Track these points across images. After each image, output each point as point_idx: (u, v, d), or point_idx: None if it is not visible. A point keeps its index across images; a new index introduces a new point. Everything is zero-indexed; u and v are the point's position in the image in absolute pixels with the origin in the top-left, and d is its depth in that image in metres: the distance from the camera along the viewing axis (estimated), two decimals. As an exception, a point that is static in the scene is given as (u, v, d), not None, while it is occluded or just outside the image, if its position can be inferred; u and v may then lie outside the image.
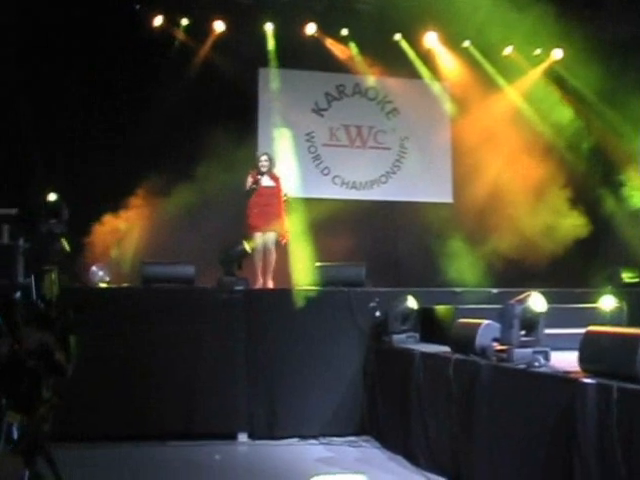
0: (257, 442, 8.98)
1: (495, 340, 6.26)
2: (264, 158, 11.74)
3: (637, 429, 4.36)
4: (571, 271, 13.00)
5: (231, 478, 7.60)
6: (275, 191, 11.68)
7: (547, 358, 5.85)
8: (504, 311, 6.07)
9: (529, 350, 5.85)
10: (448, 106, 15.34)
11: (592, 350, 5.04)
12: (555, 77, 15.21)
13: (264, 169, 11.59)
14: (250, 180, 11.61)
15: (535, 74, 15.45)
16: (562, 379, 5.21)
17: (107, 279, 10.71)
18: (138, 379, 8.91)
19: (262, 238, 11.35)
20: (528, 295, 5.99)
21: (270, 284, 11.25)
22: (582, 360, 5.10)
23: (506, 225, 13.54)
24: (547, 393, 5.31)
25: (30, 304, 5.79)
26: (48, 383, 5.16)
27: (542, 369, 5.63)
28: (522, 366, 5.74)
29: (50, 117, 12.43)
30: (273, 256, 11.40)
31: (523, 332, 6.03)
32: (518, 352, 5.88)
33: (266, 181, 11.60)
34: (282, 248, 11.63)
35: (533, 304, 5.92)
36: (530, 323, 6.02)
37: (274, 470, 7.78)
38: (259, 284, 11.08)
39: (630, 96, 13.31)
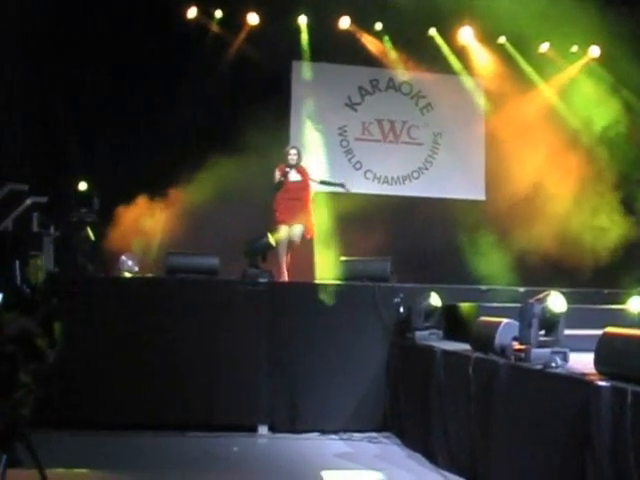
0: (277, 435, 8.98)
1: (515, 339, 6.18)
2: (293, 152, 11.79)
3: (651, 433, 4.29)
4: (604, 272, 12.86)
5: (249, 470, 7.54)
6: (303, 185, 11.74)
7: (565, 359, 5.76)
8: (523, 310, 5.99)
9: (547, 350, 5.76)
10: (482, 102, 15.26)
11: (608, 352, 4.96)
12: (592, 75, 15.06)
13: (292, 162, 11.63)
14: (278, 174, 11.65)
15: (572, 71, 15.30)
16: (577, 381, 5.13)
17: (136, 269, 10.73)
18: (160, 369, 8.94)
19: (288, 231, 11.38)
20: (547, 294, 5.90)
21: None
22: (598, 362, 5.03)
23: (538, 224, 13.44)
24: (562, 394, 5.24)
25: (14, 289, 5.77)
26: (27, 368, 5.14)
27: (558, 370, 5.55)
28: (539, 366, 5.66)
29: (83, 107, 12.51)
30: (294, 246, 11.50)
31: (543, 332, 5.94)
32: (536, 352, 5.79)
33: (294, 175, 11.66)
34: (308, 242, 11.62)
35: (552, 304, 5.84)
36: (550, 323, 5.93)
37: (291, 464, 7.77)
38: (284, 277, 11.09)
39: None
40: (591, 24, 13.28)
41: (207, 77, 13.03)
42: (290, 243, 11.43)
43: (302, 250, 11.50)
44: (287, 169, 11.63)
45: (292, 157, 11.71)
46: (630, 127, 14.28)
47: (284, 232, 11.33)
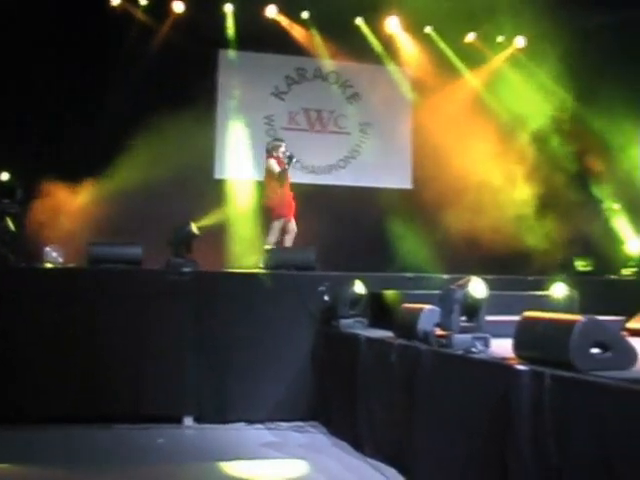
0: (203, 426, 8.87)
1: (437, 325, 6.20)
2: (285, 145, 11.96)
3: (569, 417, 4.31)
4: (528, 259, 12.99)
5: (175, 461, 7.45)
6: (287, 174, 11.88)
7: (487, 344, 5.78)
8: (444, 296, 6.00)
9: (469, 336, 5.78)
10: (409, 92, 15.30)
11: (527, 336, 4.99)
12: (518, 65, 15.19)
13: (287, 154, 11.76)
14: (276, 163, 11.72)
15: (497, 61, 15.43)
16: (497, 365, 5.16)
17: (60, 260, 10.58)
18: (85, 361, 8.77)
19: (283, 224, 11.68)
20: (468, 280, 5.92)
21: None
22: (517, 346, 5.05)
23: (465, 212, 13.52)
24: (483, 379, 5.26)
25: None
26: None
27: (479, 355, 5.58)
28: (460, 352, 5.68)
29: (6, 97, 12.27)
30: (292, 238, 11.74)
31: (464, 318, 5.96)
32: (457, 338, 5.81)
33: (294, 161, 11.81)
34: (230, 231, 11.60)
35: (473, 290, 5.86)
36: (471, 309, 5.95)
37: (217, 454, 7.69)
38: None
39: (596, 87, 13.29)
40: (517, 14, 13.39)
41: (132, 65, 12.91)
42: (286, 236, 11.69)
43: (225, 239, 11.43)
44: (285, 157, 11.73)
45: (284, 150, 11.82)
46: (555, 117, 14.43)
47: (278, 225, 11.60)
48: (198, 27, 13.36)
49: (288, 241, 11.75)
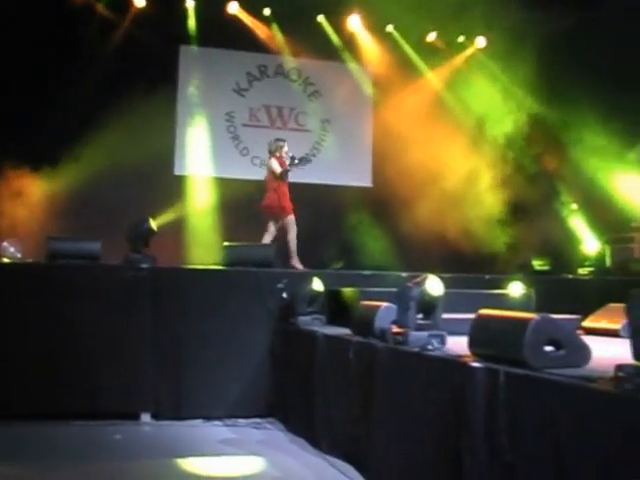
0: (160, 422, 8.83)
1: (394, 323, 6.22)
2: (286, 145, 11.99)
3: (522, 414, 4.34)
4: (486, 258, 13.07)
5: (132, 458, 7.41)
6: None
7: (443, 342, 5.81)
8: (401, 294, 6.02)
9: (425, 333, 5.80)
10: (370, 90, 15.35)
11: (481, 334, 5.02)
12: (478, 65, 15.28)
13: (289, 154, 11.84)
14: (277, 163, 11.78)
15: (458, 61, 15.51)
16: (452, 362, 5.18)
17: (19, 255, 10.49)
18: (42, 357, 8.68)
19: (283, 222, 11.78)
20: (425, 278, 5.95)
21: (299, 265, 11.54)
22: (472, 344, 5.08)
23: (424, 211, 13.58)
24: (439, 376, 5.27)
25: None
26: None
27: (435, 352, 5.60)
28: (416, 349, 5.70)
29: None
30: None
31: (421, 315, 5.99)
32: (414, 335, 5.83)
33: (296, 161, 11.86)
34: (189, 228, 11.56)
35: (430, 287, 5.89)
36: (428, 306, 5.98)
37: (175, 451, 7.63)
38: (298, 266, 11.46)
39: (557, 89, 13.38)
40: (478, 15, 13.46)
41: (93, 59, 12.81)
42: (286, 232, 11.79)
43: (183, 235, 11.40)
44: (288, 157, 11.80)
45: (287, 150, 11.87)
46: (515, 118, 14.52)
47: (274, 223, 11.70)
48: (159, 22, 13.33)
49: (292, 238, 11.80)
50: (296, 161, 11.73)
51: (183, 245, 12.20)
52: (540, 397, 4.22)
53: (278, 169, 11.72)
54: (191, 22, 14.15)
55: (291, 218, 11.84)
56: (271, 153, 11.91)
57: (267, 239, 11.63)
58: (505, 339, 4.71)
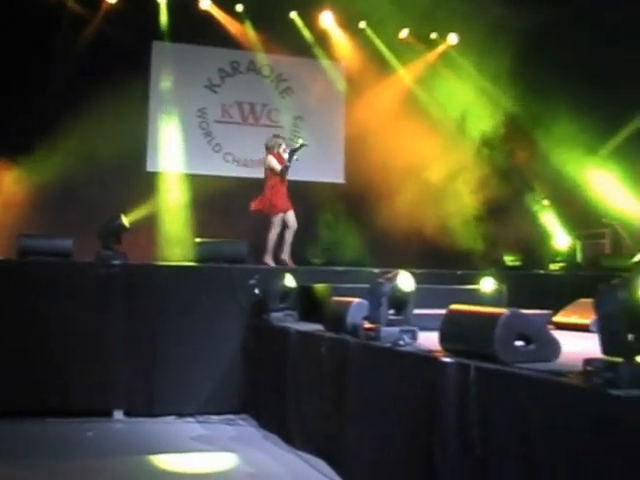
0: (133, 419, 8.82)
1: (365, 318, 6.24)
2: (283, 141, 11.92)
3: (493, 408, 4.36)
4: (458, 254, 13.12)
5: (105, 455, 7.39)
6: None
7: (414, 337, 5.82)
8: (372, 289, 6.03)
9: (396, 329, 5.82)
10: (342, 87, 15.36)
11: (452, 329, 5.04)
12: (451, 61, 15.32)
13: (287, 150, 11.69)
14: (276, 160, 11.61)
15: (431, 58, 15.55)
16: (423, 358, 5.20)
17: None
18: (14, 354, 8.65)
19: (284, 218, 11.64)
20: (396, 274, 5.97)
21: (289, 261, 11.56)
22: (443, 339, 5.10)
23: (396, 207, 13.61)
24: (410, 372, 5.29)
25: None
26: None
27: (407, 348, 5.62)
28: (388, 345, 5.72)
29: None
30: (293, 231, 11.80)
31: (392, 311, 6.01)
32: (385, 331, 5.84)
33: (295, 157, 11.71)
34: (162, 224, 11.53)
35: (401, 283, 5.90)
36: (399, 302, 5.99)
37: (147, 448, 7.64)
38: (269, 260, 11.38)
39: (529, 84, 13.43)
40: (450, 11, 13.49)
41: (65, 56, 12.74)
42: (290, 228, 11.69)
43: (155, 231, 11.36)
44: (288, 162, 11.63)
45: (285, 148, 11.76)
46: (487, 115, 14.56)
47: (279, 220, 11.59)
48: (131, 18, 13.28)
49: (289, 235, 11.74)
50: (295, 157, 11.63)
51: (155, 242, 12.18)
52: (510, 391, 4.25)
53: (277, 167, 11.59)
54: (163, 18, 14.09)
55: (279, 217, 11.70)
56: (268, 150, 11.75)
57: (273, 235, 11.59)
58: (476, 334, 4.74)
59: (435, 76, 15.19)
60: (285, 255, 11.58)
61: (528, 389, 4.13)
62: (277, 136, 12.09)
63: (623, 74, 12.82)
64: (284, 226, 11.71)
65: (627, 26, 12.96)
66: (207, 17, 14.27)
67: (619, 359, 3.69)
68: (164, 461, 7.14)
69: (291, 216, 11.74)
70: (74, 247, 9.54)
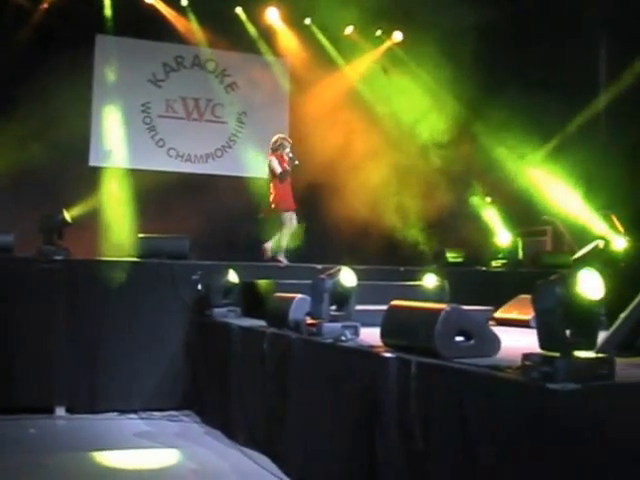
0: (75, 416, 8.76)
1: (308, 314, 6.26)
2: (288, 143, 11.78)
3: (433, 402, 4.41)
4: (400, 250, 13.19)
5: (47, 452, 7.33)
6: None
7: (356, 333, 5.87)
8: (315, 285, 6.07)
9: (338, 325, 5.86)
10: (287, 83, 15.35)
11: (394, 325, 5.09)
12: (395, 59, 15.37)
13: (290, 151, 11.65)
14: (277, 162, 11.53)
15: (374, 55, 15.58)
16: (365, 353, 5.24)
17: None
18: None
19: (291, 216, 11.62)
20: (338, 270, 6.01)
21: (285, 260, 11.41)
22: (384, 334, 5.15)
23: (339, 204, 13.63)
24: (352, 367, 5.33)
25: None
26: None
27: (349, 343, 5.65)
28: (330, 340, 5.75)
29: None
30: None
31: (334, 307, 6.05)
32: (327, 326, 5.88)
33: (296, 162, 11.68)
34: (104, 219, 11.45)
35: (343, 279, 5.95)
36: (341, 298, 6.04)
37: (90, 444, 7.59)
38: (284, 262, 11.26)
39: (472, 83, 13.51)
40: (395, 9, 13.54)
41: (7, 49, 12.56)
42: (291, 227, 11.66)
43: (98, 227, 11.28)
44: (288, 158, 11.59)
45: (288, 152, 11.66)
46: (430, 111, 14.63)
47: (289, 218, 11.58)
48: (75, 11, 13.10)
49: (286, 234, 11.66)
50: (296, 162, 11.62)
51: (98, 237, 12.06)
52: (450, 386, 4.30)
53: (278, 169, 11.53)
54: (107, 11, 13.94)
55: (286, 215, 11.65)
56: (273, 151, 11.69)
57: (286, 233, 11.59)
58: (416, 330, 4.79)
59: (380, 73, 15.22)
60: (280, 256, 11.60)
61: (467, 384, 4.18)
62: (284, 138, 11.97)
63: (566, 75, 12.99)
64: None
65: (569, 25, 13.14)
66: (152, 11, 14.15)
67: (556, 354, 3.76)
68: (107, 458, 7.10)
69: (294, 217, 11.79)
70: (15, 242, 9.45)
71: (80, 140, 13.25)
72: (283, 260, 11.28)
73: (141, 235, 10.08)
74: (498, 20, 13.31)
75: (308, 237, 13.11)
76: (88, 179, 13.45)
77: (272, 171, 11.58)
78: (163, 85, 14.72)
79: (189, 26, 14.57)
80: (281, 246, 11.44)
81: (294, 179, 11.60)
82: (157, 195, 12.80)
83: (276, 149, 11.66)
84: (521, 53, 13.43)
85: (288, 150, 11.65)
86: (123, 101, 14.18)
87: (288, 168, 11.54)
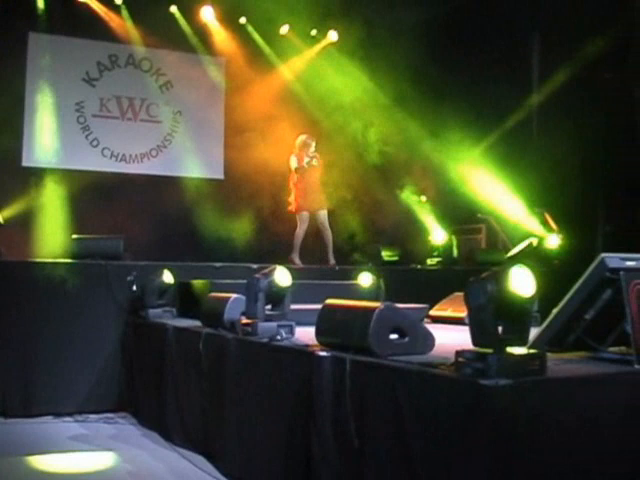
0: (9, 420, 8.60)
1: (243, 314, 6.26)
2: (313, 143, 12.05)
3: (368, 400, 4.43)
4: (337, 250, 13.21)
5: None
6: (320, 171, 12.14)
7: (292, 332, 5.90)
8: (249, 285, 6.06)
9: (273, 324, 5.88)
10: (222, 82, 15.31)
11: (328, 323, 5.11)
12: (331, 58, 15.39)
13: (313, 151, 11.92)
14: (296, 159, 11.87)
15: (311, 54, 15.61)
16: (299, 352, 5.25)
17: None
18: None
19: (314, 217, 11.99)
20: (273, 269, 6.02)
21: (332, 260, 11.85)
22: (319, 333, 5.17)
23: (275, 202, 13.66)
24: (287, 366, 5.34)
25: None
26: None
27: (284, 343, 5.66)
28: (265, 340, 5.76)
29: None
30: (329, 232, 12.06)
31: (269, 306, 6.05)
32: (262, 326, 5.89)
33: (315, 161, 11.94)
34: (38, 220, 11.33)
35: (278, 278, 5.96)
36: (276, 297, 6.05)
37: (24, 448, 7.45)
38: (296, 259, 11.79)
39: (408, 81, 13.58)
40: (330, 8, 13.56)
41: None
42: (322, 229, 12.11)
43: (31, 228, 11.15)
44: (307, 158, 11.86)
45: (313, 148, 11.97)
46: (365, 111, 14.68)
47: (306, 219, 11.94)
48: (7, 8, 12.92)
49: (299, 235, 11.98)
50: (314, 162, 11.91)
51: (32, 238, 11.90)
52: (385, 383, 4.33)
53: (293, 164, 11.94)
54: (40, 9, 13.75)
55: (302, 215, 11.99)
56: (299, 149, 12.08)
57: (299, 232, 11.90)
58: (351, 328, 4.81)
59: (314, 72, 15.24)
60: (294, 255, 11.92)
61: (401, 381, 4.21)
62: (308, 137, 12.22)
63: (501, 74, 13.13)
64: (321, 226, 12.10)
65: (503, 25, 13.29)
66: (85, 9, 14.00)
67: (489, 350, 3.80)
68: (42, 461, 7.01)
69: (320, 216, 12.12)
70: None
71: (12, 140, 13.07)
72: (297, 261, 11.39)
73: (75, 236, 9.97)
74: (434, 19, 13.41)
75: (241, 236, 13.14)
76: (21, 180, 13.27)
77: (292, 169, 11.98)
78: (97, 84, 14.57)
79: (123, 24, 14.44)
80: (295, 247, 11.76)
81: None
82: (92, 195, 12.70)
83: (298, 148, 12.05)
84: (457, 53, 13.52)
85: (313, 149, 12.00)
86: (57, 100, 14.00)
87: (305, 165, 11.85)
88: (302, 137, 12.17)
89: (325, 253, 12.00)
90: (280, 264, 6.28)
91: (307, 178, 11.94)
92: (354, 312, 4.94)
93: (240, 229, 13.43)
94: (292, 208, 12.02)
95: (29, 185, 13.38)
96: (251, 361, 5.91)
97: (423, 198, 14.39)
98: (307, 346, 5.25)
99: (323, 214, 12.15)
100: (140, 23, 14.37)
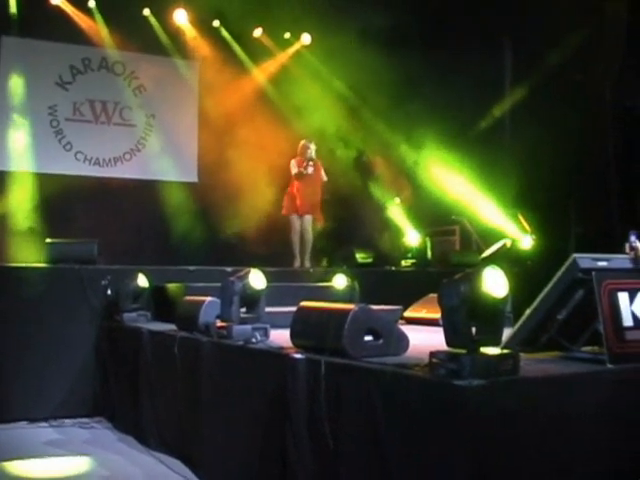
0: (-17, 427, 8.61)
1: (218, 317, 6.26)
2: (313, 147, 12.35)
3: (343, 402, 4.45)
4: (312, 253, 13.23)
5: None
6: (317, 177, 12.42)
7: (266, 334, 5.90)
8: (224, 288, 6.07)
9: (248, 327, 5.88)
10: (196, 85, 15.29)
11: (303, 326, 5.12)
12: (304, 62, 15.41)
13: (312, 156, 12.25)
14: (295, 164, 12.19)
15: (283, 57, 15.61)
16: (274, 354, 5.26)
17: None
18: None
19: (300, 220, 12.23)
20: (248, 272, 6.02)
21: (307, 263, 12.08)
22: (294, 335, 5.18)
23: (249, 206, 13.65)
24: (262, 369, 5.36)
25: None
26: None
27: (259, 345, 5.67)
28: (240, 342, 5.76)
29: None
30: (310, 236, 12.30)
31: (244, 309, 6.06)
32: (237, 329, 5.89)
33: (310, 168, 12.22)
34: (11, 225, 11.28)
35: (252, 281, 5.96)
36: (251, 300, 6.06)
37: (-1, 454, 7.48)
38: (297, 264, 11.96)
39: (383, 82, 13.60)
40: (303, 11, 13.57)
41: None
42: (303, 232, 12.27)
43: (5, 233, 11.09)
44: (306, 163, 12.18)
45: (312, 151, 12.25)
46: (338, 115, 14.69)
47: (297, 222, 12.26)
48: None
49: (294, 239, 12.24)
50: (309, 170, 12.28)
51: (5, 243, 11.84)
52: (359, 385, 4.34)
53: (294, 169, 12.24)
54: (12, 12, 13.69)
55: (291, 219, 12.32)
56: (298, 154, 12.45)
57: (294, 237, 12.17)
58: (326, 330, 4.82)
59: (288, 76, 15.25)
60: (305, 259, 12.18)
61: (376, 382, 4.23)
62: (309, 141, 12.51)
63: (474, 78, 13.18)
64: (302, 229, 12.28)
65: (476, 29, 13.35)
66: (58, 12, 13.94)
67: (462, 351, 3.83)
68: (17, 467, 6.97)
69: (306, 220, 12.38)
70: None
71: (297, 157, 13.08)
72: (307, 264, 11.53)
73: (48, 240, 9.93)
74: (407, 24, 13.45)
75: (215, 240, 13.14)
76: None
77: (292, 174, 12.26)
78: (70, 88, 14.51)
79: (96, 28, 14.39)
80: (295, 252, 12.04)
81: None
82: (65, 199, 12.65)
83: (299, 153, 12.36)
84: (430, 57, 13.56)
85: (310, 154, 12.32)
86: (30, 104, 13.93)
87: (303, 170, 12.15)
88: (302, 142, 12.50)
89: (302, 254, 12.05)
90: (255, 267, 6.28)
91: (303, 184, 12.24)
92: (328, 314, 4.96)
93: (214, 232, 13.42)
94: (283, 211, 12.38)
95: (2, 189, 13.32)
96: (226, 364, 5.92)
97: (397, 200, 14.43)
98: (282, 348, 5.26)
99: (308, 218, 12.36)
100: (113, 26, 14.33)
